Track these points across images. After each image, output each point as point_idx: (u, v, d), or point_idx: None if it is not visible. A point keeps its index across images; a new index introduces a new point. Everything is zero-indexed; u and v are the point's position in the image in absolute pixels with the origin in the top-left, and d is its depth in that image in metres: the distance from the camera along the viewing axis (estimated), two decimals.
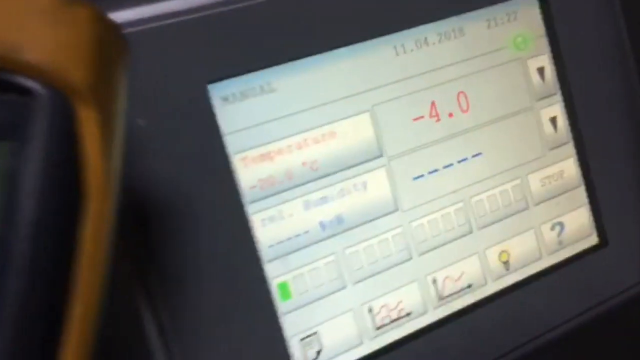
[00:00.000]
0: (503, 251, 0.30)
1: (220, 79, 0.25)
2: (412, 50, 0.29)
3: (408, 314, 0.28)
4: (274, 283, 0.26)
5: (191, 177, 0.24)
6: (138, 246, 0.23)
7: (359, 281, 0.27)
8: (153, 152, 0.24)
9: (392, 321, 0.28)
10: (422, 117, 0.29)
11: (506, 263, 0.30)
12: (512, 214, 0.30)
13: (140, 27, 0.24)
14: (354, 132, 0.27)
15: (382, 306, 0.28)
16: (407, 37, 0.28)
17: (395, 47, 0.28)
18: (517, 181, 0.31)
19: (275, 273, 0.26)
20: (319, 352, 0.27)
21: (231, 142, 0.25)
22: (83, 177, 0.15)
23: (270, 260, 0.26)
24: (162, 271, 0.24)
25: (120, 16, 0.24)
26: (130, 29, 0.24)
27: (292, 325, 0.26)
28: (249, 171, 0.26)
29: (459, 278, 0.29)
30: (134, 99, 0.24)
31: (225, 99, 0.25)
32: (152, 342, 0.24)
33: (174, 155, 0.24)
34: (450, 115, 0.29)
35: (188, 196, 0.24)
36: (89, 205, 0.15)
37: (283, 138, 0.26)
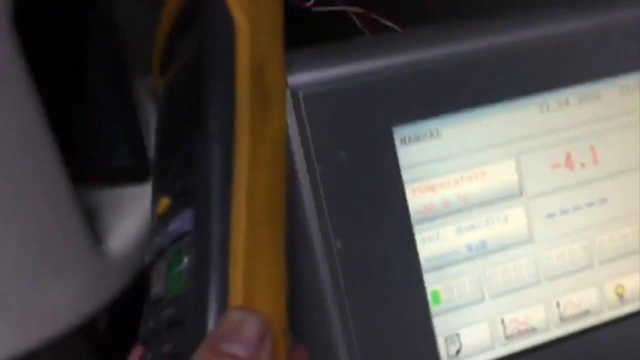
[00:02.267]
0: (619, 285, 0.35)
1: (402, 124, 0.32)
2: (554, 109, 0.34)
3: (533, 329, 0.34)
4: (428, 290, 0.32)
5: (373, 199, 0.31)
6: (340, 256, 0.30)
7: (495, 296, 0.33)
8: (347, 177, 0.31)
9: (520, 333, 0.34)
10: (559, 165, 0.34)
11: (621, 296, 0.35)
12: (630, 254, 0.35)
13: (347, 82, 0.31)
14: (500, 174, 0.34)
15: (513, 319, 0.34)
16: (551, 98, 0.34)
17: (540, 106, 0.34)
18: (637, 227, 0.35)
19: (430, 282, 0.32)
20: (458, 351, 0.33)
21: (406, 175, 0.32)
22: None
23: (427, 271, 0.32)
24: (346, 274, 0.31)
25: (330, 72, 0.31)
26: (336, 84, 0.31)
27: (440, 326, 0.32)
28: (416, 199, 0.32)
29: (579, 304, 0.35)
30: (339, 135, 0.31)
31: (403, 140, 0.32)
32: (334, 328, 0.31)
33: (361, 181, 0.31)
34: (583, 165, 0.35)
35: (371, 214, 0.31)
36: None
37: (444, 174, 0.33)
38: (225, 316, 0.20)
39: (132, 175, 0.30)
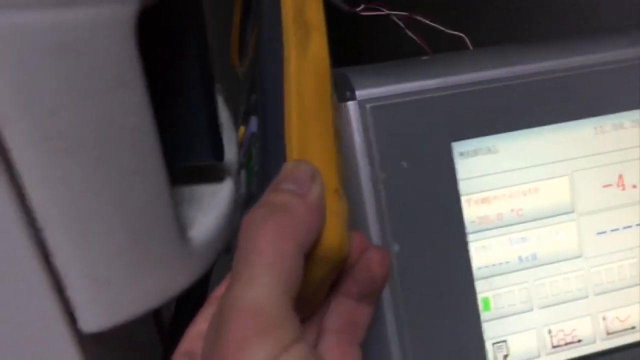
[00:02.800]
0: None
1: (461, 139, 0.34)
2: (609, 131, 0.36)
3: (579, 341, 0.35)
4: (479, 297, 0.34)
5: (430, 208, 0.33)
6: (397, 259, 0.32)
7: (544, 307, 0.35)
8: (408, 185, 0.33)
9: (566, 344, 0.35)
10: (611, 185, 0.36)
11: None
12: None
13: (410, 98, 0.33)
14: (553, 191, 0.35)
15: (560, 330, 0.35)
16: (607, 121, 0.36)
17: (595, 128, 0.36)
18: None
19: (481, 289, 0.34)
20: (505, 357, 0.34)
21: (462, 187, 0.34)
22: None
23: (478, 279, 0.34)
24: (402, 276, 0.33)
25: (395, 88, 0.34)
26: (403, 99, 0.33)
27: (489, 331, 0.34)
28: (471, 210, 0.34)
29: (625, 319, 0.36)
30: (402, 147, 0.33)
31: (462, 154, 0.34)
32: (389, 327, 0.33)
33: (421, 188, 0.33)
34: (634, 186, 0.36)
35: (428, 221, 0.33)
36: None
37: (499, 188, 0.35)
38: (282, 167, 0.24)
39: (211, 175, 0.33)
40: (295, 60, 0.26)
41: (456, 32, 0.40)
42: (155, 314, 0.37)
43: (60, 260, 0.23)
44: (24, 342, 0.25)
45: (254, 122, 0.38)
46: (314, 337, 0.28)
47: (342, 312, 0.27)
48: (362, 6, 0.38)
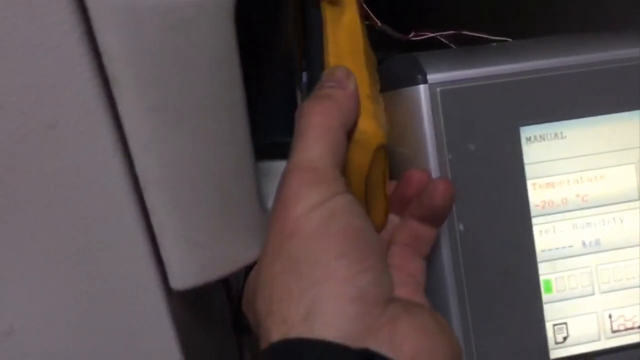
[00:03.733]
0: None
1: (529, 124, 0.35)
2: None
3: (639, 327, 0.36)
4: (541, 279, 0.35)
5: (497, 190, 0.34)
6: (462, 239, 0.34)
7: (605, 292, 0.35)
8: (475, 167, 0.34)
9: (626, 329, 0.36)
10: None
11: None
12: None
13: (479, 83, 0.34)
14: (620, 178, 0.36)
15: (620, 315, 0.36)
16: None
17: None
18: None
19: (543, 271, 0.35)
20: (565, 338, 0.35)
21: (528, 171, 0.35)
22: None
23: (541, 262, 0.35)
24: (466, 256, 0.34)
25: (466, 73, 0.35)
26: (473, 84, 0.34)
27: (550, 313, 0.35)
28: (537, 193, 0.35)
29: None
30: (469, 130, 0.34)
31: (529, 139, 0.35)
32: (452, 306, 0.34)
33: (487, 171, 0.34)
34: None
35: (493, 203, 0.34)
36: None
37: (565, 174, 0.35)
38: (323, 73, 0.31)
39: (287, 152, 0.35)
40: (331, 23, 0.33)
41: (503, 38, 0.41)
42: (225, 284, 0.39)
43: (158, 219, 0.25)
44: (119, 295, 0.27)
45: (304, 77, 0.40)
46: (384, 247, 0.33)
47: (408, 228, 0.32)
48: (412, 33, 0.41)
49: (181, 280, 0.27)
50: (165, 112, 0.22)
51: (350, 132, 0.30)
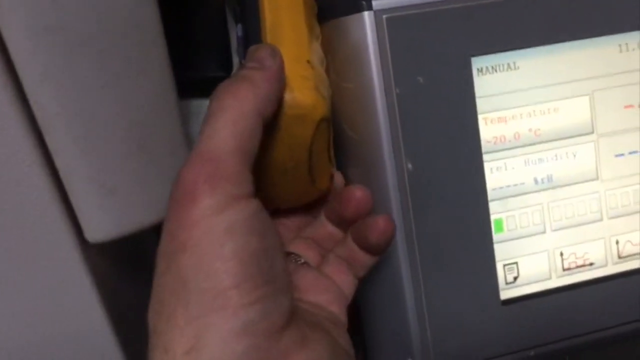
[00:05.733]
0: None
1: (481, 54, 0.32)
2: (634, 49, 0.34)
3: (591, 264, 0.35)
4: (492, 218, 0.33)
5: (446, 126, 0.32)
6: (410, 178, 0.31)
7: (557, 230, 0.34)
8: (423, 102, 0.32)
9: (577, 267, 0.35)
10: (633, 106, 0.34)
11: None
12: None
13: (429, 9, 0.31)
14: (573, 111, 0.34)
15: (572, 253, 0.35)
16: (632, 38, 0.34)
17: (620, 45, 0.34)
18: None
19: (494, 210, 0.33)
20: (515, 278, 0.34)
21: (480, 104, 0.32)
22: None
23: (492, 200, 0.33)
24: (414, 196, 0.32)
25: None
26: (421, 10, 0.31)
27: (500, 253, 0.34)
28: (488, 129, 0.33)
29: (638, 243, 0.35)
30: (418, 61, 0.32)
31: (480, 70, 0.32)
32: (400, 245, 0.32)
33: (437, 105, 0.32)
34: None
35: (443, 140, 0.32)
36: None
37: (517, 107, 0.33)
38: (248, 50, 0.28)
39: None
40: None
41: None
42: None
43: (63, 162, 0.22)
44: (29, 251, 0.24)
45: (240, 28, 0.37)
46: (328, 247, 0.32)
47: (347, 247, 0.31)
48: None
49: (97, 232, 0.24)
50: (61, 33, 0.19)
51: (277, 111, 0.27)
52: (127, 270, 0.30)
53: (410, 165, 0.32)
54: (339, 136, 0.33)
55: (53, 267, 0.25)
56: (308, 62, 0.29)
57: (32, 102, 0.20)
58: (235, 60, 0.33)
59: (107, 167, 0.23)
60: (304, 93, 0.27)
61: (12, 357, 0.26)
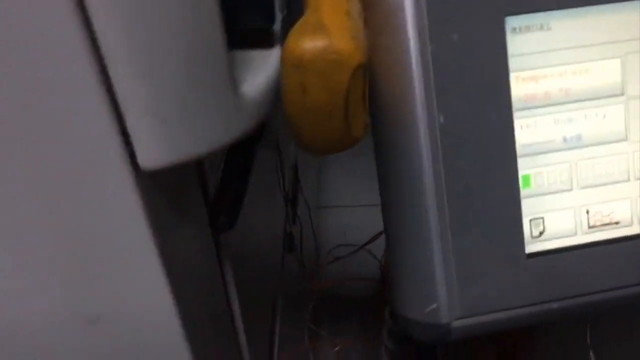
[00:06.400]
0: None
1: (515, 14, 0.33)
2: None
3: (617, 223, 0.36)
4: (520, 174, 0.34)
5: (479, 82, 0.33)
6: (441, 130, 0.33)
7: (584, 188, 0.35)
8: (457, 58, 0.33)
9: (603, 225, 0.36)
10: None
11: None
12: None
13: None
14: (604, 72, 0.35)
15: (597, 211, 0.36)
16: None
17: None
18: None
19: (523, 166, 0.34)
20: (541, 233, 0.35)
21: (512, 63, 0.34)
22: None
23: (521, 156, 0.34)
24: (445, 149, 0.33)
25: None
26: None
27: (527, 208, 0.35)
28: (519, 87, 0.34)
29: None
30: (453, 19, 0.33)
31: (514, 30, 0.34)
32: (429, 196, 0.34)
33: (470, 62, 0.33)
34: None
35: (475, 95, 0.33)
36: None
37: (548, 67, 0.34)
38: None
39: (263, 41, 0.34)
40: None
41: None
42: (202, 180, 0.39)
43: (122, 91, 0.24)
44: (84, 173, 0.26)
45: None
46: None
47: None
48: None
49: (150, 159, 0.26)
50: None
51: (315, 56, 0.29)
52: (175, 211, 0.32)
53: (442, 118, 0.33)
54: (372, 91, 0.35)
55: (108, 191, 0.27)
56: (347, 13, 0.30)
57: (95, 30, 0.22)
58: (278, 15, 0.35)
59: (162, 98, 0.25)
60: (341, 40, 0.29)
61: (54, 274, 0.28)
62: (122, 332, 0.32)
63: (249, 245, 0.52)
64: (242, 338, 0.47)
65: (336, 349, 0.84)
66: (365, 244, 0.69)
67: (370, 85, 0.34)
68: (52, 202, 0.27)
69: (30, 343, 0.30)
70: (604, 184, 0.35)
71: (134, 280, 0.30)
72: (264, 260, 0.64)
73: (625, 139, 0.35)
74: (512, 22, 0.33)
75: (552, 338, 0.68)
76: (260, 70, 0.32)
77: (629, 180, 0.36)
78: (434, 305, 0.34)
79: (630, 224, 0.36)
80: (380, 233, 0.47)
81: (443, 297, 0.34)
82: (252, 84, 0.30)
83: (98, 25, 0.22)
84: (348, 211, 1.15)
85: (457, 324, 0.34)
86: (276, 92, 0.31)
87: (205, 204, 0.39)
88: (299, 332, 0.82)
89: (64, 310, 0.30)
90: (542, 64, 0.34)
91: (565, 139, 0.35)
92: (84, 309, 0.30)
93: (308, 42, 0.29)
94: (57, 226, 0.28)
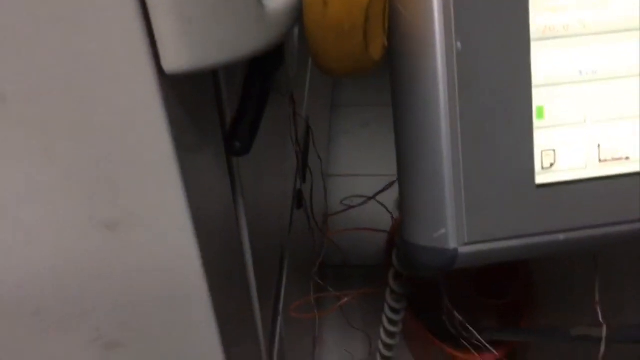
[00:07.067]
0: None
1: None
2: None
3: (627, 158, 0.36)
4: (534, 105, 0.35)
5: (499, 10, 0.33)
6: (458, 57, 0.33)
7: (596, 122, 0.36)
8: None
9: (613, 159, 0.36)
10: None
11: None
12: None
13: None
14: (622, 6, 0.35)
15: (609, 146, 0.36)
16: None
17: None
18: None
19: (537, 97, 0.35)
20: (552, 164, 0.36)
21: None
22: None
23: (536, 86, 0.35)
24: (461, 75, 0.34)
25: None
26: None
27: (539, 138, 0.35)
28: (537, 17, 0.34)
29: None
30: None
31: None
32: (443, 121, 0.34)
33: None
34: None
35: (494, 23, 0.34)
36: None
37: None
38: None
39: None
40: None
41: None
42: (219, 104, 0.39)
43: None
44: (108, 75, 0.27)
45: None
46: None
47: None
48: None
49: (174, 62, 0.27)
50: None
51: None
52: (194, 126, 0.33)
53: (459, 45, 0.33)
54: (391, 17, 0.35)
55: (130, 95, 0.27)
56: None
57: None
58: None
59: None
60: None
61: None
62: (139, 243, 0.33)
63: (260, 197, 0.53)
64: (251, 272, 0.49)
65: (341, 302, 0.85)
66: (377, 194, 0.69)
67: (389, 10, 0.35)
68: (79, 105, 0.27)
69: (51, 244, 0.31)
70: (617, 119, 0.36)
71: (153, 191, 0.31)
72: (274, 213, 0.65)
73: (639, 75, 0.36)
74: None
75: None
76: None
77: None
78: (442, 231, 0.35)
79: None
80: (391, 184, 0.48)
81: (452, 223, 0.35)
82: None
83: None
84: (354, 180, 1.17)
85: (464, 249, 0.35)
86: (297, 7, 0.31)
87: (221, 130, 0.40)
88: (306, 286, 0.84)
89: (83, 213, 0.31)
90: None
91: (580, 72, 0.35)
92: (102, 214, 0.31)
93: None
94: (82, 129, 0.28)
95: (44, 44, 0.25)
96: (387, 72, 0.36)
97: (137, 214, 0.32)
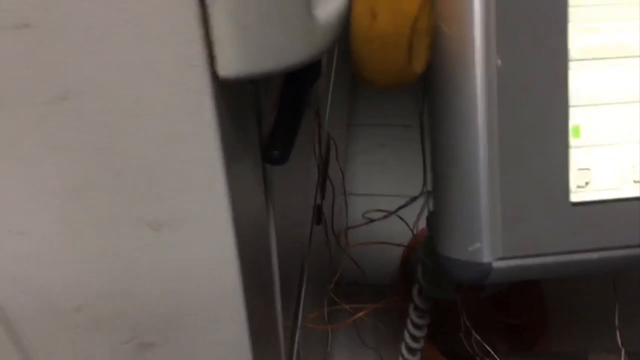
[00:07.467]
0: None
1: None
2: None
3: None
4: (571, 123, 0.35)
5: (539, 30, 0.34)
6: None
7: (633, 143, 0.36)
8: (519, 5, 0.34)
9: None
10: None
11: None
12: None
13: None
14: None
15: None
16: None
17: None
18: None
19: (574, 116, 0.35)
20: (587, 183, 0.36)
21: (572, 14, 0.34)
22: None
23: (573, 106, 0.35)
24: (500, 91, 0.34)
25: None
26: None
27: (575, 157, 0.36)
28: (577, 38, 0.35)
29: None
30: None
31: None
32: (480, 137, 0.35)
33: (531, 8, 0.34)
34: None
35: (534, 42, 0.34)
36: None
37: (607, 21, 0.35)
38: None
39: None
40: None
41: None
42: (257, 115, 0.40)
43: None
44: (165, 76, 0.28)
45: None
46: None
47: None
48: None
49: (228, 67, 0.27)
50: None
51: None
52: (239, 132, 0.33)
53: (499, 61, 0.34)
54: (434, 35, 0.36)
55: (184, 96, 0.28)
56: None
57: None
58: None
59: (245, 5, 0.26)
60: None
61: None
62: (181, 246, 0.33)
63: (286, 209, 0.53)
64: (276, 280, 0.49)
65: (354, 317, 0.85)
66: (398, 208, 0.70)
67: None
68: (135, 106, 0.28)
69: (96, 242, 0.32)
70: None
71: (199, 195, 0.32)
72: (296, 226, 0.65)
73: None
74: None
75: None
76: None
77: None
78: (477, 245, 0.35)
79: None
80: (412, 199, 0.48)
81: (487, 237, 0.35)
82: (324, 9, 0.32)
83: None
84: (369, 199, 1.17)
85: (498, 264, 0.36)
86: (344, 21, 0.32)
87: (258, 139, 0.40)
88: (319, 300, 0.84)
89: (129, 214, 0.31)
90: (601, 17, 0.35)
91: (617, 93, 0.36)
92: (148, 215, 0.32)
93: None
94: (136, 131, 0.29)
95: (111, 46, 0.26)
96: (403, 93, 0.37)
97: (182, 217, 0.32)
